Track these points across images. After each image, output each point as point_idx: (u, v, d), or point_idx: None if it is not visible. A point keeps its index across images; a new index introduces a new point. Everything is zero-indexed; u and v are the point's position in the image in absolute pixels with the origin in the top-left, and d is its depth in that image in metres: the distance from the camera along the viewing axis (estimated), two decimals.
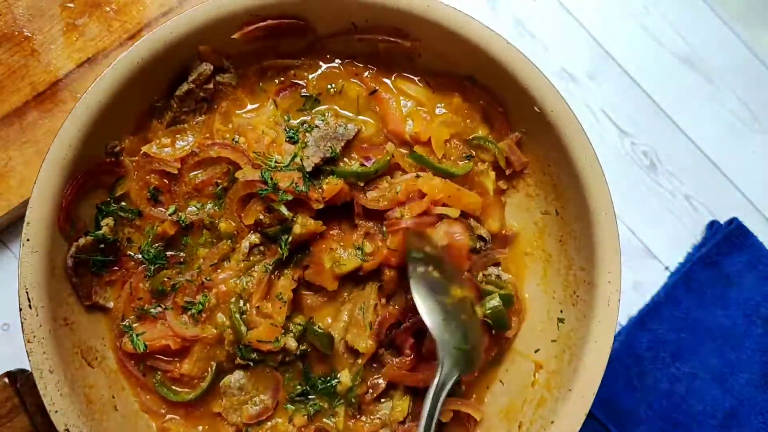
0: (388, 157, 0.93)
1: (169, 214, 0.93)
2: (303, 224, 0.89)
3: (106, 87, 0.83)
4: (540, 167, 0.94)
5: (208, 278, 0.91)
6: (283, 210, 0.88)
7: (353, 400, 0.93)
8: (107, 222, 0.90)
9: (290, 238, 0.90)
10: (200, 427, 0.94)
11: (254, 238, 0.91)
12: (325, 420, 0.92)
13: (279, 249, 0.91)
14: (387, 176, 0.95)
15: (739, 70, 1.34)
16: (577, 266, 0.89)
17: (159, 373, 0.92)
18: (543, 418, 0.87)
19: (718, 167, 1.33)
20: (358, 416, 0.93)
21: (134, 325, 0.91)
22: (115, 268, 0.92)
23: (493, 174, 0.96)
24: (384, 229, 0.93)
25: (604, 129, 1.31)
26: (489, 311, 0.92)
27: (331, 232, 0.94)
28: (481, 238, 0.97)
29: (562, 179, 0.90)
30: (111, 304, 0.92)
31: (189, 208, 0.93)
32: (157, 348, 0.90)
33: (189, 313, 0.91)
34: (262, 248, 0.93)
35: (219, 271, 0.92)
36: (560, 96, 0.87)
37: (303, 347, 0.93)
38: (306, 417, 0.92)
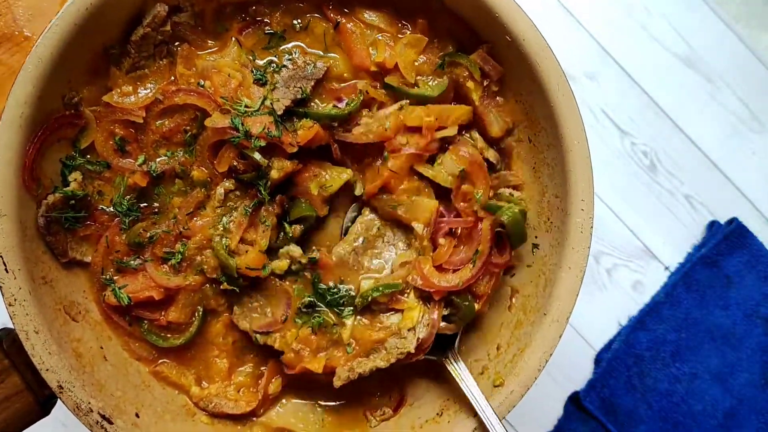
0: (361, 97, 0.90)
1: (139, 165, 0.90)
2: (280, 168, 0.87)
3: (55, 38, 0.80)
4: (513, 96, 0.92)
5: (185, 227, 0.90)
6: (257, 157, 0.86)
7: (364, 303, 0.90)
8: (75, 177, 0.88)
9: (269, 183, 0.88)
10: (194, 370, 0.95)
11: (228, 184, 0.89)
12: (331, 331, 0.91)
13: (258, 193, 0.89)
14: (364, 110, 0.92)
15: (740, 71, 1.34)
16: (550, 193, 0.90)
17: (146, 322, 0.91)
18: (519, 341, 0.89)
19: (718, 167, 1.33)
20: (365, 323, 0.91)
21: (115, 278, 0.90)
22: (89, 222, 0.90)
23: (472, 83, 0.92)
24: (385, 154, 0.89)
25: (604, 129, 1.31)
26: (507, 219, 0.87)
27: (310, 167, 0.92)
28: (488, 161, 0.94)
29: (535, 108, 0.89)
30: (89, 259, 0.90)
31: (159, 158, 0.90)
32: (141, 299, 0.89)
33: (169, 263, 0.90)
34: (237, 193, 0.91)
35: (195, 219, 0.90)
36: (532, 23, 0.86)
37: (305, 259, 0.92)
38: (310, 329, 0.90)
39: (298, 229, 0.92)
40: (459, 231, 0.91)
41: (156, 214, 0.92)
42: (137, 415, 0.86)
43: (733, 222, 1.29)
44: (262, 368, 0.95)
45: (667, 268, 1.30)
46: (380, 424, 0.94)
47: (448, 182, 0.89)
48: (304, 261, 0.91)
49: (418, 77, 0.92)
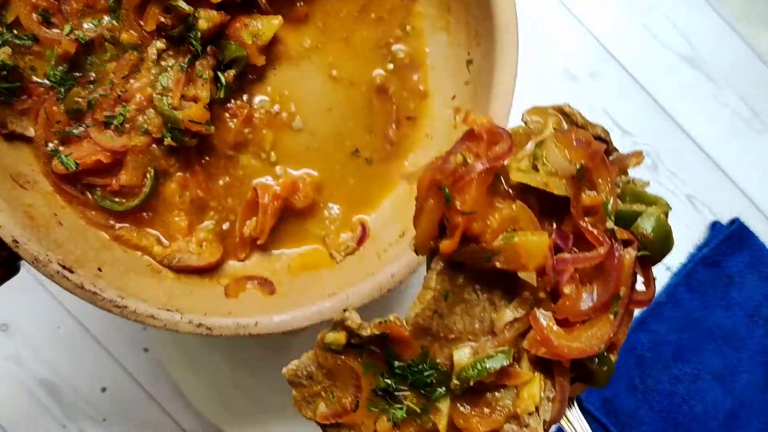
0: None
1: (66, 34, 0.90)
2: (207, 18, 0.88)
3: None
4: None
5: (123, 90, 0.90)
6: (183, 5, 0.86)
7: (463, 387, 0.59)
8: (4, 51, 0.87)
9: (198, 34, 0.89)
10: (155, 231, 0.95)
11: (160, 44, 0.90)
12: (421, 420, 0.61)
13: (190, 47, 0.90)
14: None
15: (742, 70, 1.33)
16: (473, 5, 0.90)
17: (98, 189, 0.92)
18: None
19: (720, 167, 1.32)
20: (468, 409, 0.61)
21: (60, 148, 0.90)
22: (25, 97, 0.90)
23: None
24: (446, 191, 0.56)
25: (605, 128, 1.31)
26: (652, 229, 0.62)
27: (239, 17, 0.93)
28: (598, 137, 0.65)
29: None
30: (30, 133, 0.90)
31: (85, 26, 0.91)
32: (90, 164, 0.89)
33: (112, 126, 0.90)
34: (170, 53, 0.92)
35: (132, 81, 0.91)
36: None
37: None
38: (389, 422, 0.61)
39: (231, 74, 0.93)
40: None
41: (92, 83, 0.92)
42: (100, 270, 0.85)
43: (735, 222, 1.28)
44: (224, 225, 0.96)
45: (668, 269, 1.30)
46: (345, 258, 0.95)
47: (563, 189, 0.58)
48: (366, 334, 0.60)
49: None
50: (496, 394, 0.61)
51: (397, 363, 0.61)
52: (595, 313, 0.59)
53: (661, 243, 0.62)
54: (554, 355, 0.59)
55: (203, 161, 0.96)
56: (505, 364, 0.58)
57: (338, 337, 0.61)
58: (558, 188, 0.58)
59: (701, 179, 1.31)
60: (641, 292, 0.61)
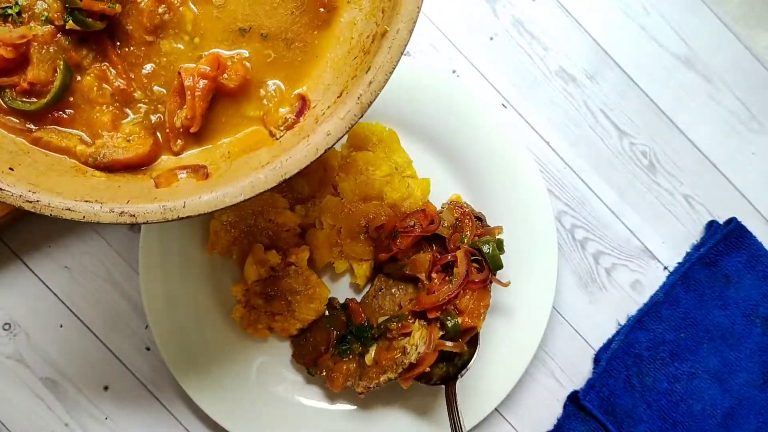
0: None
1: None
2: None
3: None
4: None
5: None
6: None
7: (380, 335, 1.14)
8: None
9: None
10: (77, 131, 0.89)
11: None
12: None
13: None
14: None
15: (739, 71, 1.34)
16: None
17: (7, 90, 0.86)
18: (366, 63, 0.83)
19: (717, 167, 1.33)
20: (384, 347, 1.13)
21: None
22: None
23: None
24: (395, 233, 1.14)
25: (603, 129, 1.32)
26: (487, 253, 1.09)
27: None
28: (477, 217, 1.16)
29: None
30: None
31: None
32: None
33: (9, 19, 0.85)
34: None
35: None
36: None
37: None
38: (340, 356, 1.15)
39: None
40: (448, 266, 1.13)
41: None
42: (11, 169, 0.80)
43: (732, 222, 1.29)
44: (153, 117, 0.90)
45: (666, 268, 1.31)
46: (285, 133, 0.89)
47: (446, 233, 1.13)
48: (338, 306, 1.20)
49: None
50: (401, 340, 1.10)
51: (350, 325, 1.18)
52: (442, 285, 1.09)
53: (493, 260, 1.10)
54: (421, 306, 1.09)
55: (119, 50, 0.89)
56: (404, 320, 1.11)
57: (321, 309, 1.18)
58: (443, 232, 1.14)
59: (699, 179, 1.32)
60: (477, 276, 1.09)
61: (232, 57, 0.91)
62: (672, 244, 1.31)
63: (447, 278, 1.10)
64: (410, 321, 1.11)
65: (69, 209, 0.76)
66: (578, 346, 1.29)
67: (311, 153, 0.77)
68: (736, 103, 1.34)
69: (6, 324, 1.22)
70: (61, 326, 1.22)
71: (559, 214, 1.30)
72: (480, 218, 1.17)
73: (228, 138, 0.91)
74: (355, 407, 1.20)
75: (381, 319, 1.14)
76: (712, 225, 1.30)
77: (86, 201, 0.77)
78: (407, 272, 1.14)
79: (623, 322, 1.29)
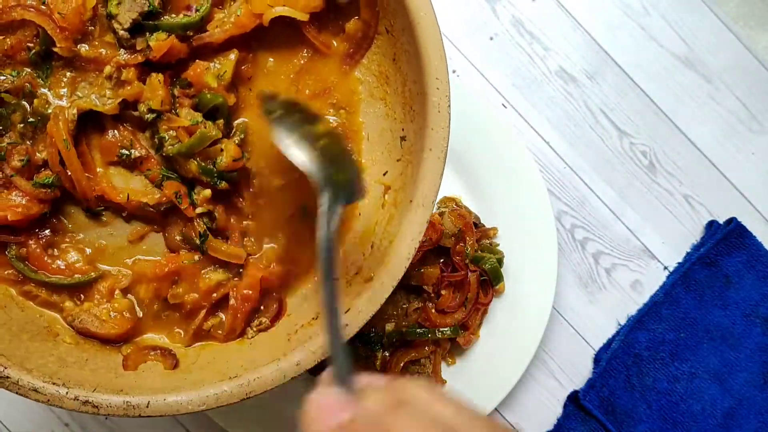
0: (209, 0, 0.87)
1: None
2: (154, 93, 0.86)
3: None
4: None
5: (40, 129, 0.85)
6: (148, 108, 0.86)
7: (390, 341, 1.17)
8: None
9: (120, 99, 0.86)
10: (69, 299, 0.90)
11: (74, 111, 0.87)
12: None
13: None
14: (215, 9, 0.89)
15: (739, 71, 1.34)
16: (410, 80, 0.86)
17: (13, 247, 0.86)
18: (390, 234, 0.85)
19: (717, 167, 1.33)
20: (391, 354, 1.17)
21: None
22: None
23: None
24: None
25: (603, 129, 1.32)
26: (488, 268, 1.17)
27: (197, 62, 0.89)
28: (475, 223, 1.20)
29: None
30: None
31: (1, 77, 0.85)
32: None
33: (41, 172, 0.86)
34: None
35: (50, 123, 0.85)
36: None
37: None
38: None
39: (220, 123, 0.89)
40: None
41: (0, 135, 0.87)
42: None
43: (732, 222, 1.29)
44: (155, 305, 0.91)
45: (666, 268, 1.31)
46: (257, 335, 0.91)
47: (449, 243, 1.16)
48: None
49: None
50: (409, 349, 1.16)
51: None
52: (457, 307, 1.17)
53: (493, 275, 1.18)
54: (432, 325, 1.15)
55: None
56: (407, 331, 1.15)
57: None
58: (444, 243, 1.15)
59: (698, 179, 1.32)
60: (484, 297, 1.19)
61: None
62: (672, 244, 1.31)
63: (454, 294, 1.17)
64: (427, 351, 1.17)
65: (36, 390, 0.77)
66: (578, 346, 1.29)
67: (279, 377, 0.79)
68: (736, 103, 1.34)
69: None
70: None
71: (559, 214, 1.30)
72: (476, 223, 1.19)
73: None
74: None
75: (388, 327, 1.15)
76: (712, 225, 1.30)
77: (53, 383, 0.78)
78: (413, 283, 1.16)
79: (623, 322, 1.29)
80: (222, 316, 0.92)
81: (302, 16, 0.87)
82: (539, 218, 1.21)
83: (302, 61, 0.92)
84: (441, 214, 1.17)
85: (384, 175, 0.92)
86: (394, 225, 0.86)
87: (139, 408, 0.78)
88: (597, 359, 1.27)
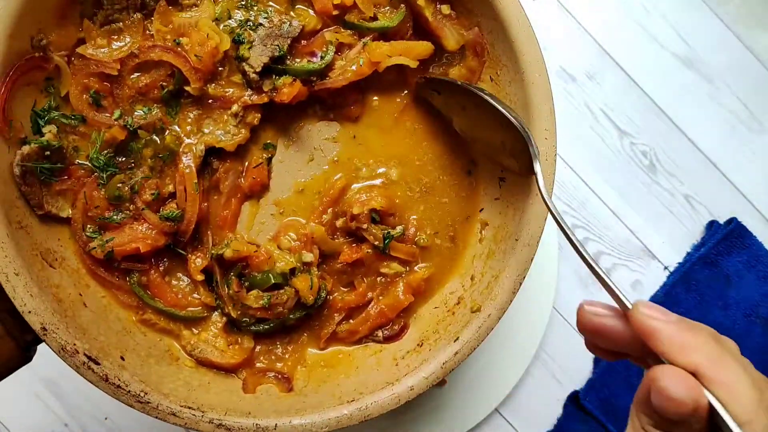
0: (333, 48, 0.92)
1: (115, 119, 0.88)
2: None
3: None
4: (470, 25, 0.94)
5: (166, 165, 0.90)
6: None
7: None
8: (50, 129, 0.86)
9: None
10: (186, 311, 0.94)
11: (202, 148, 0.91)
12: None
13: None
14: (336, 55, 0.94)
15: (739, 71, 1.34)
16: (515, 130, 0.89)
17: (136, 274, 0.91)
18: (493, 268, 0.91)
19: (718, 167, 1.33)
20: None
21: (98, 235, 0.89)
22: (65, 177, 0.89)
23: (423, 1, 0.92)
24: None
25: (603, 129, 1.32)
26: None
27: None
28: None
29: (495, 46, 0.90)
30: (66, 214, 0.89)
31: (136, 113, 0.90)
32: (128, 252, 0.89)
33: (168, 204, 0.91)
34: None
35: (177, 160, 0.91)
36: None
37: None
38: None
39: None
40: None
41: (131, 169, 0.91)
42: (122, 358, 0.85)
43: (733, 222, 1.29)
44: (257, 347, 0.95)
45: (666, 268, 1.31)
46: (384, 342, 0.97)
47: None
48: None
49: (376, 10, 0.93)
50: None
51: None
52: None
53: None
54: None
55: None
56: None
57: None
58: None
59: (699, 179, 1.32)
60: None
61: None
62: (672, 244, 1.31)
63: None
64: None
65: (174, 414, 0.83)
66: (578, 346, 1.28)
67: (394, 401, 0.86)
68: (736, 103, 1.34)
69: None
70: None
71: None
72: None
73: (313, 350, 0.97)
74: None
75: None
76: (712, 225, 1.30)
77: (189, 408, 0.83)
78: None
79: None
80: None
81: (413, 64, 0.92)
82: None
83: (405, 102, 0.98)
84: None
85: (480, 211, 0.97)
86: (496, 260, 0.92)
87: (267, 429, 0.84)
88: (597, 359, 1.27)
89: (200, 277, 0.92)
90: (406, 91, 0.97)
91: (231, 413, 0.85)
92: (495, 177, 0.95)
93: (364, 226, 0.92)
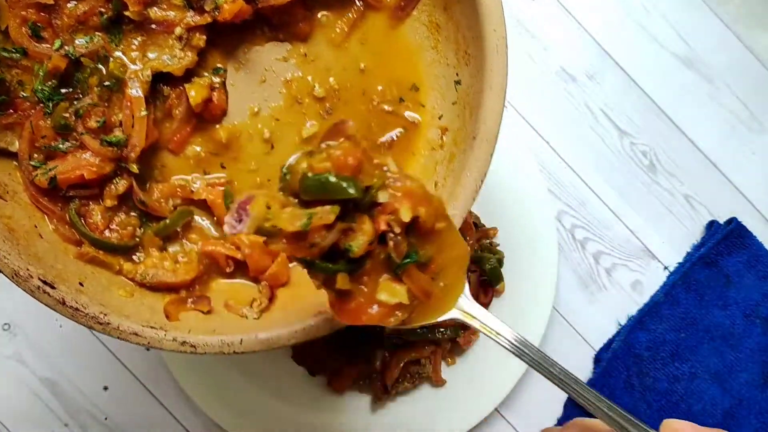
0: None
1: (55, 49, 0.87)
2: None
3: None
4: None
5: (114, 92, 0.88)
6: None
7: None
8: None
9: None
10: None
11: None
12: None
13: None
14: None
15: (739, 71, 1.34)
16: (464, 27, 0.89)
17: (76, 202, 0.89)
18: (454, 171, 0.88)
19: (718, 167, 1.33)
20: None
21: (43, 164, 0.87)
22: (11, 111, 0.87)
23: None
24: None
25: (603, 129, 1.32)
26: (488, 269, 1.17)
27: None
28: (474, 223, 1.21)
29: None
30: (14, 148, 0.88)
31: (77, 41, 0.88)
32: (72, 180, 0.87)
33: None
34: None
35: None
36: None
37: None
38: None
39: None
40: None
41: (78, 99, 0.90)
42: (81, 284, 0.84)
43: (733, 222, 1.29)
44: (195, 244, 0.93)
45: (666, 268, 1.31)
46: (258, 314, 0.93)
47: None
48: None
49: None
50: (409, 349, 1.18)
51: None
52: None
53: (494, 275, 1.19)
54: (432, 325, 1.15)
55: None
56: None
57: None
58: None
59: (699, 179, 1.32)
60: (484, 297, 1.21)
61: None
62: (672, 244, 1.31)
63: None
64: (427, 351, 1.17)
65: (136, 334, 0.80)
66: (578, 346, 1.29)
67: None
68: (736, 103, 1.34)
69: (6, 324, 1.22)
70: (61, 326, 1.22)
71: (559, 214, 1.30)
72: (476, 223, 1.20)
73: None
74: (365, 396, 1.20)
75: (388, 328, 1.14)
76: (712, 225, 1.30)
77: (151, 327, 0.81)
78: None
79: (623, 322, 1.29)
80: None
81: None
82: (539, 218, 1.21)
83: (355, 15, 0.95)
84: None
85: (440, 118, 0.95)
86: (457, 162, 0.89)
87: (232, 345, 0.80)
88: (597, 359, 1.27)
89: (111, 203, 0.89)
90: (357, 4, 0.94)
91: (195, 331, 0.82)
92: (451, 82, 0.93)
93: (397, 230, 0.69)
